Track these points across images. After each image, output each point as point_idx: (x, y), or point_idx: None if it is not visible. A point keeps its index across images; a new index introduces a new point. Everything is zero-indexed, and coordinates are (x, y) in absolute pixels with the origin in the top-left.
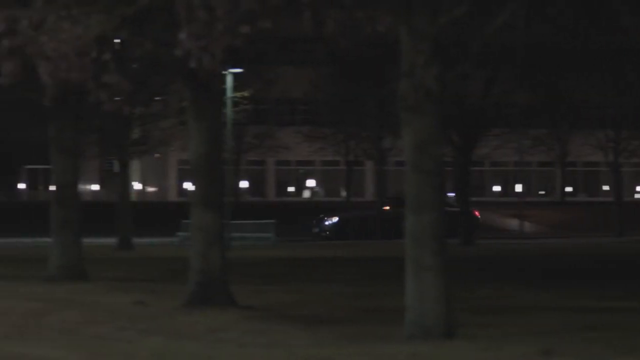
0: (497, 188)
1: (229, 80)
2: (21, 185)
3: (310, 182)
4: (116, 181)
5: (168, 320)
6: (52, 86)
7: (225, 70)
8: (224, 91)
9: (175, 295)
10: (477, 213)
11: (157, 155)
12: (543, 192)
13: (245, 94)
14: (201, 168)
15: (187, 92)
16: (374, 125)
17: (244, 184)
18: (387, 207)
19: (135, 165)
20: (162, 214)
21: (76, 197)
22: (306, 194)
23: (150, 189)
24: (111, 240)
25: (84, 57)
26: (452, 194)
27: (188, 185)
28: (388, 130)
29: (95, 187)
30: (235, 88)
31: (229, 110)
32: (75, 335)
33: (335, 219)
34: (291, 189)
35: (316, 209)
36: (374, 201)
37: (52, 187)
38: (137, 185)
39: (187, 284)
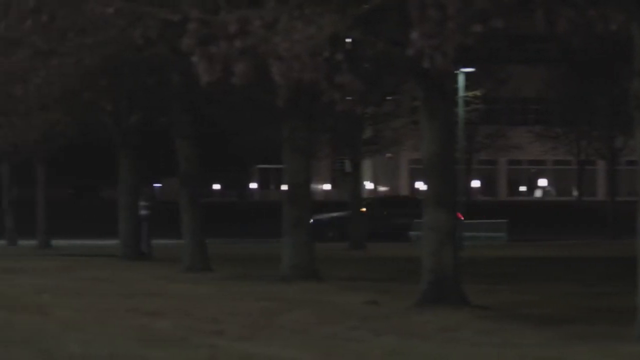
0: None
1: (461, 79)
2: (253, 185)
3: (542, 182)
4: (348, 181)
5: (400, 320)
6: (285, 87)
7: (457, 69)
8: (456, 90)
9: (407, 295)
10: (460, 216)
11: (388, 154)
12: None
13: (477, 93)
14: (433, 167)
15: (419, 91)
16: (605, 124)
17: (475, 184)
18: (364, 209)
19: (366, 165)
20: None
21: (308, 197)
22: (538, 193)
23: (382, 189)
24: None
25: (316, 57)
26: None
27: (419, 185)
28: (620, 130)
29: (327, 186)
30: (467, 87)
31: (460, 109)
32: (307, 335)
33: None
34: (523, 188)
35: (548, 208)
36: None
37: (284, 187)
38: (368, 185)
39: (420, 284)
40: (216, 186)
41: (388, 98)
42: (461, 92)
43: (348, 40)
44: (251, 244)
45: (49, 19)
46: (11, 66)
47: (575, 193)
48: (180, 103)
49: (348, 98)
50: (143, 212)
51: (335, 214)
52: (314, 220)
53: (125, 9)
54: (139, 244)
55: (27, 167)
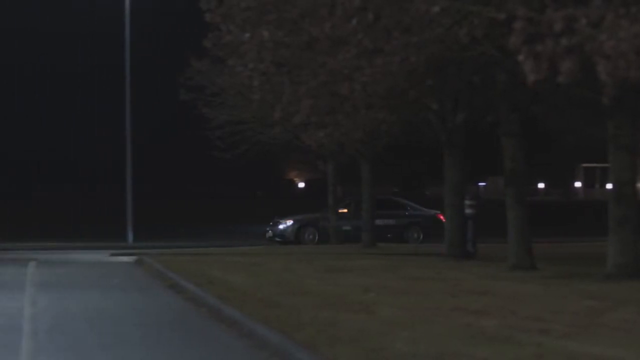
0: None
1: None
2: (577, 184)
3: None
4: None
5: None
6: (611, 85)
7: None
8: None
9: None
10: (442, 217)
11: None
12: None
13: None
14: None
15: None
16: None
17: None
18: (345, 210)
19: None
20: None
21: (634, 195)
22: None
23: None
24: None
25: None
26: None
27: None
28: None
29: None
30: None
31: None
32: (632, 334)
33: (289, 222)
34: None
35: None
36: None
37: (609, 185)
38: None
39: None
40: (540, 185)
41: None
42: None
43: None
44: (576, 243)
45: (375, 18)
46: (337, 65)
47: None
48: (506, 102)
49: None
50: (468, 211)
51: (312, 215)
52: (293, 222)
53: (451, 7)
54: (465, 244)
55: (352, 165)
